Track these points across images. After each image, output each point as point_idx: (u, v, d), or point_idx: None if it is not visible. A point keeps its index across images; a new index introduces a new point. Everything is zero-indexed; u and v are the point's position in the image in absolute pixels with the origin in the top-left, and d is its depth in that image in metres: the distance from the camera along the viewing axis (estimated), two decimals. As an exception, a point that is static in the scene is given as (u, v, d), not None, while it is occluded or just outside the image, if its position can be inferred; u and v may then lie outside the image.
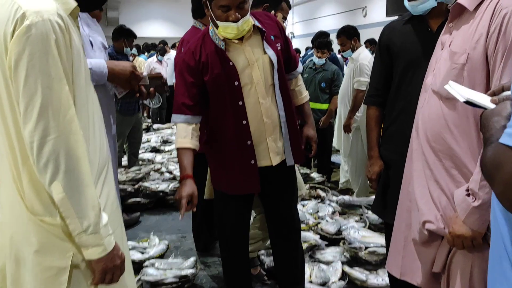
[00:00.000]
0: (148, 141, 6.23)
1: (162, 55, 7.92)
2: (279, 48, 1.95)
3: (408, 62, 1.92)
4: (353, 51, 4.20)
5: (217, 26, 1.81)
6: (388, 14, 9.84)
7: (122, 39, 4.50)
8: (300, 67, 2.17)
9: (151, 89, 2.06)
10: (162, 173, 4.50)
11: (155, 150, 5.86)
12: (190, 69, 1.87)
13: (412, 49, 1.91)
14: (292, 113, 2.02)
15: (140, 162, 5.03)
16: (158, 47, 8.32)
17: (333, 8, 13.43)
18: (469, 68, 1.33)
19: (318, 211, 3.50)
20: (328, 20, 13.59)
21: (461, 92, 0.98)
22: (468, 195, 1.29)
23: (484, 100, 0.92)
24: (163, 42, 9.10)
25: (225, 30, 1.79)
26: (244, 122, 1.89)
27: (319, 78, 4.52)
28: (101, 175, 1.25)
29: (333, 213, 3.49)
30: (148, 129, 7.37)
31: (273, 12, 2.42)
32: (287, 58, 2.04)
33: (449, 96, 1.35)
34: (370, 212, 3.28)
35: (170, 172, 4.48)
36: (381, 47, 2.07)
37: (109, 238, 1.15)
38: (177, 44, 5.43)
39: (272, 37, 1.94)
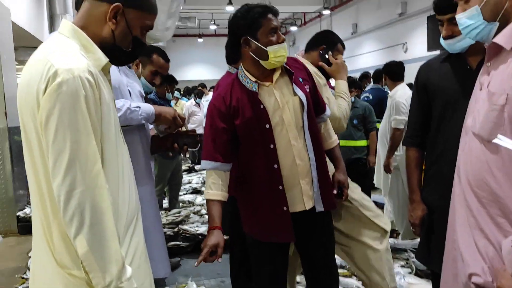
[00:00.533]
0: (189, 182, 6.30)
1: (200, 97, 8.15)
2: (307, 90, 1.94)
3: (447, 102, 1.85)
4: (382, 86, 4.19)
5: (266, 57, 1.81)
6: (429, 48, 9.75)
7: (164, 85, 4.64)
8: (328, 111, 2.14)
9: (185, 146, 2.34)
10: (201, 215, 4.50)
11: (196, 191, 5.91)
12: (221, 114, 1.87)
13: (451, 87, 1.85)
14: (322, 156, 1.98)
15: (181, 204, 5.06)
16: (196, 90, 8.57)
17: (373, 45, 13.43)
18: (509, 109, 1.24)
19: (360, 255, 3.35)
20: (368, 57, 13.57)
21: None
22: (516, 246, 1.18)
23: None
24: (202, 84, 9.37)
25: (276, 53, 1.81)
26: (276, 166, 1.86)
27: (350, 116, 4.47)
28: (130, 227, 1.25)
29: (377, 257, 3.32)
30: (190, 170, 7.47)
31: (330, 53, 2.42)
32: (315, 102, 2.02)
33: (491, 138, 1.28)
34: (416, 256, 3.11)
35: (210, 214, 4.48)
36: (418, 87, 2.02)
37: (133, 293, 1.13)
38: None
39: (300, 79, 1.94)
